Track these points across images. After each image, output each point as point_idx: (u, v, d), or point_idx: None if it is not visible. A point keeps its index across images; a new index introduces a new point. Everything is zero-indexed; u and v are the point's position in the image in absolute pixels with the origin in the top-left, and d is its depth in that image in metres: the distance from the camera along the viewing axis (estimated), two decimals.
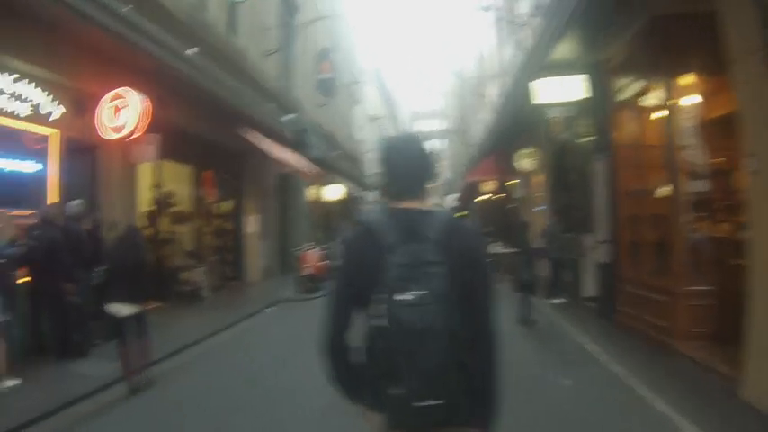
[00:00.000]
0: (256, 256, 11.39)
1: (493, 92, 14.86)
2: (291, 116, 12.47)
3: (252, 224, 11.26)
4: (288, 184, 14.02)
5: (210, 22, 8.96)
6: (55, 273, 4.89)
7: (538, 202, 11.53)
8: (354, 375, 1.39)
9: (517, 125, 10.43)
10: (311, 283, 9.94)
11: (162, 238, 8.93)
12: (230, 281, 11.06)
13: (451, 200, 30.54)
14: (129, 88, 6.34)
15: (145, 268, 4.58)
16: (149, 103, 6.40)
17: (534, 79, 7.19)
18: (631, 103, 6.26)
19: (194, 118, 8.54)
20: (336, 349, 1.41)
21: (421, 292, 1.24)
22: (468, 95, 20.51)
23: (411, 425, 1.30)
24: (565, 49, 6.65)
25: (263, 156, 10.44)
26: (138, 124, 6.33)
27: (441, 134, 60.81)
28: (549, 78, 7.20)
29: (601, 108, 7.22)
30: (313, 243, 11.42)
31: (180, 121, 8.18)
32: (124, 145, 6.80)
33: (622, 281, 6.34)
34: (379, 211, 1.46)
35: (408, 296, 1.24)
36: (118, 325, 4.29)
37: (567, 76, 7.44)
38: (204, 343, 6.20)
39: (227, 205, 11.30)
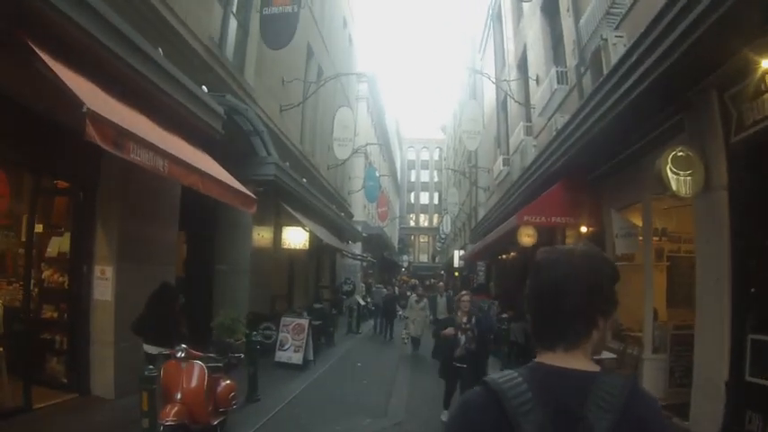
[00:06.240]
0: (113, 345, 5.66)
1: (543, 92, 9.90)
2: (223, 96, 7.21)
3: (108, 283, 5.64)
4: (217, 215, 8.54)
5: None
6: None
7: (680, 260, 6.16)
8: None
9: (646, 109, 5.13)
10: None
11: None
12: (55, 395, 5.31)
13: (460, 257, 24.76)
14: None
15: (170, 317, 4.96)
16: None
17: None
18: None
19: None
20: None
21: None
22: (489, 113, 15.72)
23: None
24: None
25: (153, 153, 4.87)
26: None
27: (435, 185, 56.21)
28: None
29: None
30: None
31: None
32: None
33: None
34: (523, 370, 0.89)
35: None
36: (150, 362, 4.59)
37: None
38: None
39: (59, 242, 5.71)
